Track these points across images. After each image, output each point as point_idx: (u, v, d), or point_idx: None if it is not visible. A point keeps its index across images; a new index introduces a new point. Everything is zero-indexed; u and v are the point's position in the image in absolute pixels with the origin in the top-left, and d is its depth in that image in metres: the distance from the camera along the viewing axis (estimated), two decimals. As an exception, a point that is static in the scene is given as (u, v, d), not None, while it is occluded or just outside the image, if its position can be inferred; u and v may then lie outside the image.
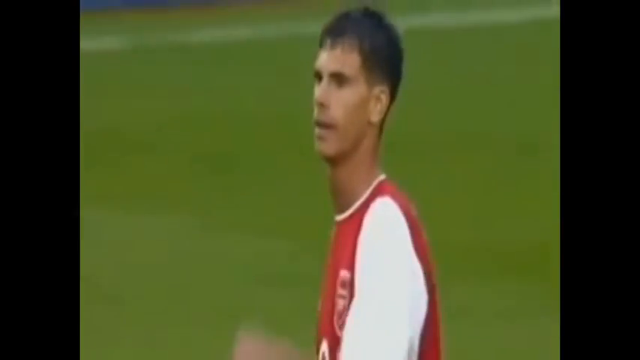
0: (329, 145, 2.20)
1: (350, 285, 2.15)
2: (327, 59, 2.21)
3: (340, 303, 2.18)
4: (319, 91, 2.20)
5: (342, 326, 2.15)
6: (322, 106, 2.19)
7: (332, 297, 2.20)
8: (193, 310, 8.53)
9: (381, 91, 2.21)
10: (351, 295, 2.14)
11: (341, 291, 2.18)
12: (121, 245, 10.18)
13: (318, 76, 2.22)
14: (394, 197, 2.19)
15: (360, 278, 2.12)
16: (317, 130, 2.21)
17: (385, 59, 2.22)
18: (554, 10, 14.92)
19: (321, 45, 2.23)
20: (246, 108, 15.42)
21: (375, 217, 2.16)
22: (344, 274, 2.17)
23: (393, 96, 2.24)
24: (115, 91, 16.47)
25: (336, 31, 2.21)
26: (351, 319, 2.10)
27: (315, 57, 2.24)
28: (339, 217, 2.25)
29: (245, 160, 13.02)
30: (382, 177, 2.25)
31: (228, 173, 12.59)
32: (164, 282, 9.10)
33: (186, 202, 11.60)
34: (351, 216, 2.21)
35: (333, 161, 2.22)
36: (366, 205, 2.19)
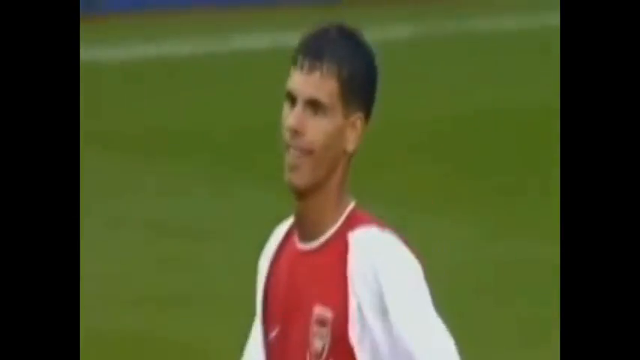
0: (302, 175, 2.09)
1: (333, 324, 2.06)
2: (303, 83, 2.08)
3: (318, 343, 2.08)
4: (294, 117, 2.08)
5: None
6: (297, 133, 2.08)
7: (302, 331, 2.11)
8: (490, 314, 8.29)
9: (358, 118, 2.11)
10: (335, 335, 2.06)
11: (318, 329, 2.08)
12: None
13: (291, 98, 2.10)
14: (379, 225, 2.11)
15: (399, 319, 2.00)
16: (290, 156, 2.09)
17: (362, 85, 2.12)
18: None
19: (294, 63, 2.10)
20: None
21: (372, 245, 2.07)
22: (322, 311, 2.08)
23: (367, 121, 2.14)
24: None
25: (313, 53, 2.08)
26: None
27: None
28: (306, 246, 2.15)
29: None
30: (353, 204, 2.16)
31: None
32: (456, 286, 8.85)
33: (466, 205, 11.43)
34: (323, 246, 2.12)
35: (304, 193, 2.11)
36: (340, 236, 2.10)
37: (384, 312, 2.02)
